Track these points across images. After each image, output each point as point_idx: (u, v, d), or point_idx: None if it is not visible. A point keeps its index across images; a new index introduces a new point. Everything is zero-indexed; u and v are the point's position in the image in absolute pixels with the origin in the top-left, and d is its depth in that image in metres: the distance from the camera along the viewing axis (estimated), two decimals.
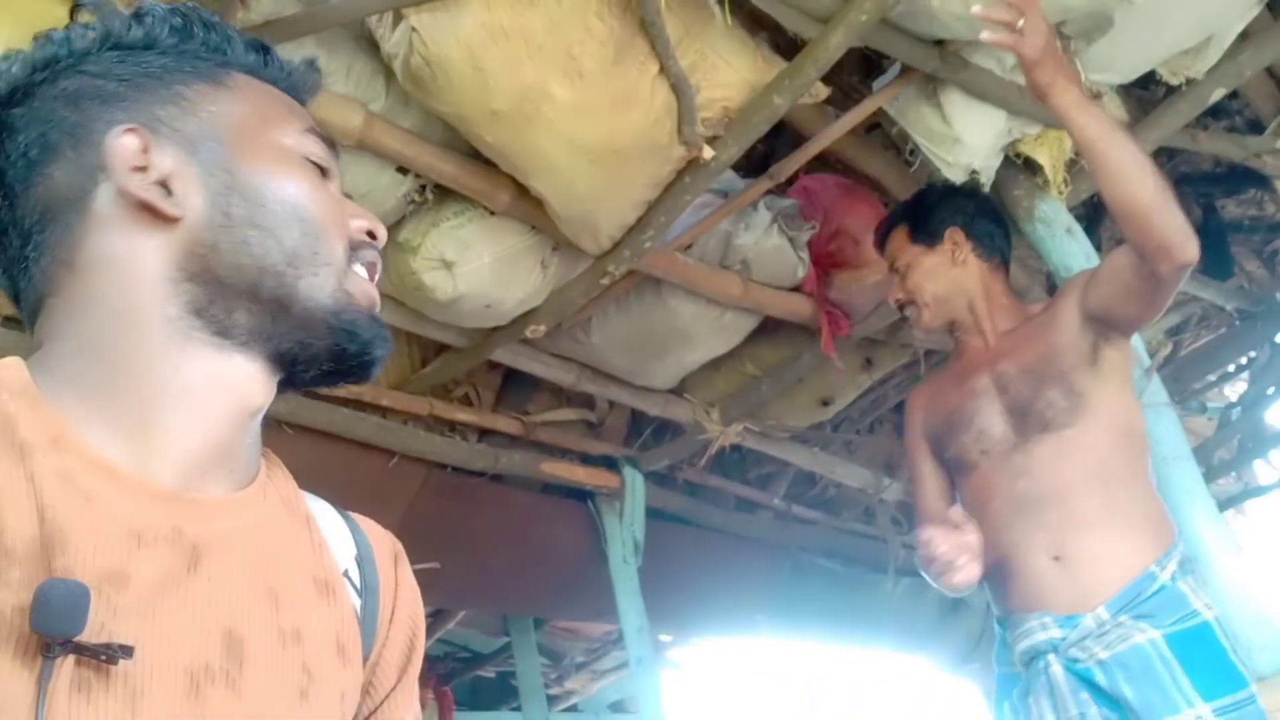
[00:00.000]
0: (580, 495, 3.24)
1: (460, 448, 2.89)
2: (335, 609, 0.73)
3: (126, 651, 0.58)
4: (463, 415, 2.90)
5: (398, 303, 2.36)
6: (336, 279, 0.73)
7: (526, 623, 4.41)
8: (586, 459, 3.18)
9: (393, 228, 2.18)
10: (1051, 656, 1.77)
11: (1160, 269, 1.71)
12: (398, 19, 1.76)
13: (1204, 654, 1.70)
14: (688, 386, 3.05)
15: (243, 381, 0.71)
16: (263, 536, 0.71)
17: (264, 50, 0.80)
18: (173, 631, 0.62)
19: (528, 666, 4.33)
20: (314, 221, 0.73)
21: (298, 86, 0.81)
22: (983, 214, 2.11)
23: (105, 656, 0.57)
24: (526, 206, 2.09)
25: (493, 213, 2.13)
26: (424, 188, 2.09)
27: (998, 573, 1.88)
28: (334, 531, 0.79)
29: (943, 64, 2.05)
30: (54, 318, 0.69)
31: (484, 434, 3.01)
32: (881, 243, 2.15)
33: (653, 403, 3.02)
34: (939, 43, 2.04)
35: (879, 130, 2.52)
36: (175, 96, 0.73)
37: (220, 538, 0.67)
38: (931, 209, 2.10)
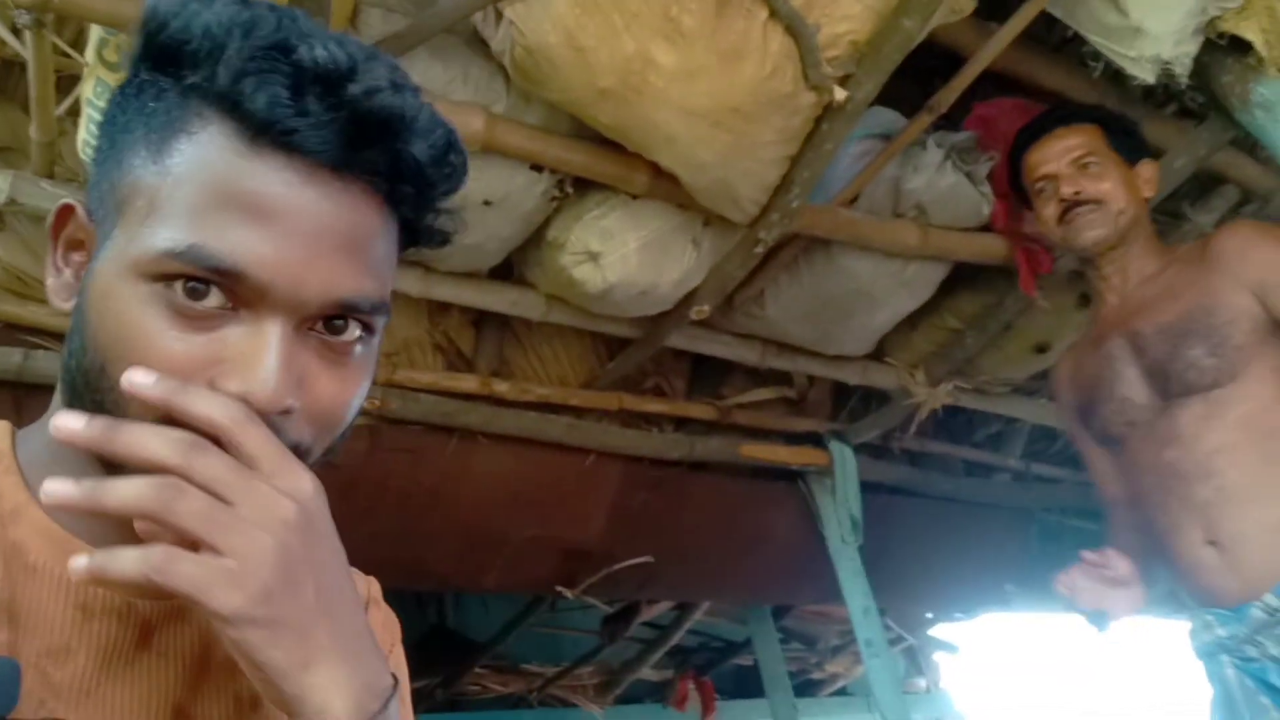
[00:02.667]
0: (790, 476, 3.12)
1: (655, 439, 2.85)
2: None
3: None
4: (654, 406, 2.86)
5: (564, 302, 2.36)
6: None
7: (763, 611, 4.32)
8: (790, 438, 3.05)
9: (542, 227, 2.17)
10: (1225, 658, 1.55)
11: None
12: (499, 16, 1.74)
13: None
14: (886, 349, 2.86)
15: None
16: None
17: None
18: (117, 710, 0.61)
19: (768, 654, 4.24)
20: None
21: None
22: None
23: None
24: (666, 186, 2.01)
25: (634, 197, 2.07)
26: (562, 183, 2.07)
27: (1166, 558, 1.70)
28: None
29: None
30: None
31: (680, 423, 2.95)
32: (1048, 127, 1.95)
33: (850, 371, 2.86)
34: None
35: (1075, 44, 2.25)
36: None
37: (175, 611, 0.65)
38: (1134, 130, 1.95)
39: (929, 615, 5.50)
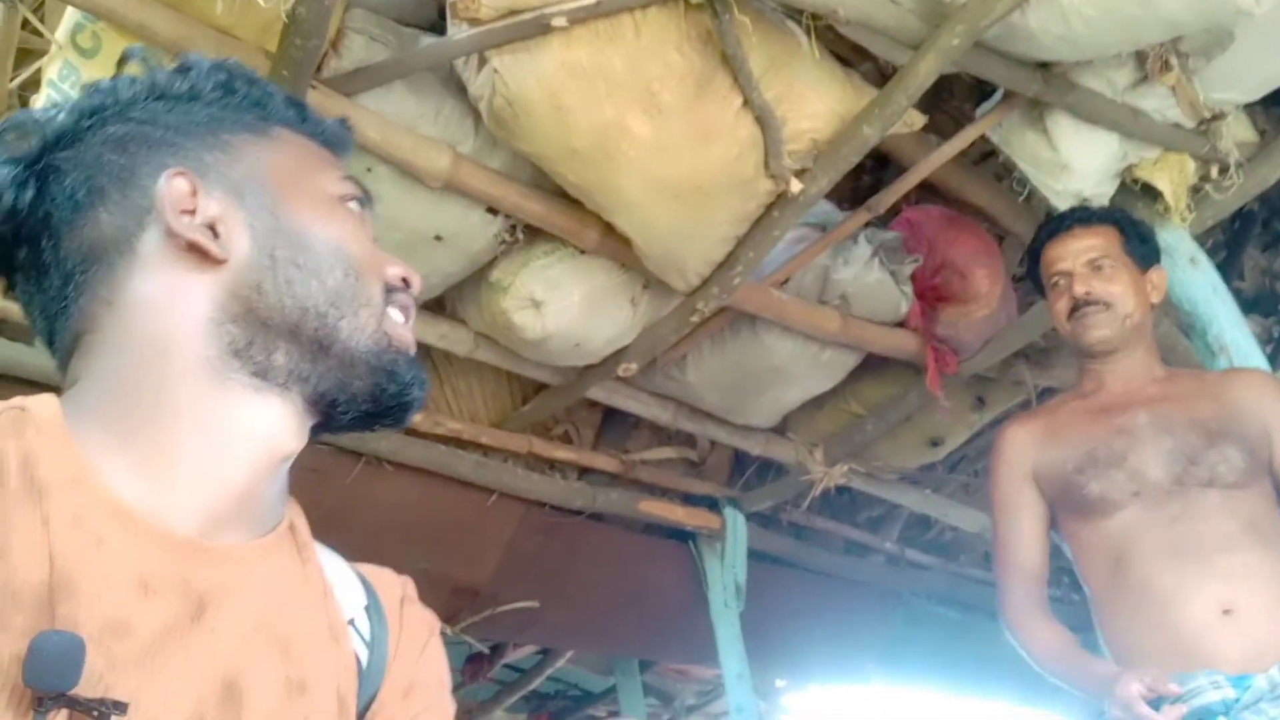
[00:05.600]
0: (681, 535, 3.19)
1: (559, 486, 2.88)
2: (338, 658, 0.72)
3: (120, 708, 0.57)
4: (562, 453, 2.89)
5: (492, 341, 2.38)
6: (375, 320, 0.73)
7: (631, 664, 4.35)
8: (688, 498, 3.13)
9: (485, 268, 2.19)
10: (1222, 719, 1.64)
11: None
12: (482, 62, 1.78)
13: None
14: (790, 425, 2.97)
15: (276, 427, 0.70)
16: (274, 585, 0.70)
17: (301, 107, 0.82)
18: (171, 683, 0.61)
19: (632, 708, 4.27)
20: (355, 263, 0.74)
21: (333, 141, 0.83)
22: None
23: (97, 713, 0.57)
24: (615, 244, 2.07)
25: (582, 251, 2.13)
26: (514, 227, 2.10)
27: (1149, 625, 1.75)
28: (344, 580, 0.78)
29: (1046, 87, 1.95)
30: (90, 355, 0.70)
31: (583, 472, 2.99)
32: (1068, 225, 1.98)
33: (754, 442, 2.95)
34: (1043, 65, 1.94)
35: (993, 158, 2.42)
36: (221, 144, 0.74)
37: (229, 587, 0.66)
38: (1149, 237, 2.01)
39: (781, 683, 5.62)
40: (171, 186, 0.70)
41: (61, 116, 0.73)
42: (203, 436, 0.68)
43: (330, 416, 0.74)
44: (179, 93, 0.76)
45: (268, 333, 0.70)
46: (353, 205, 0.78)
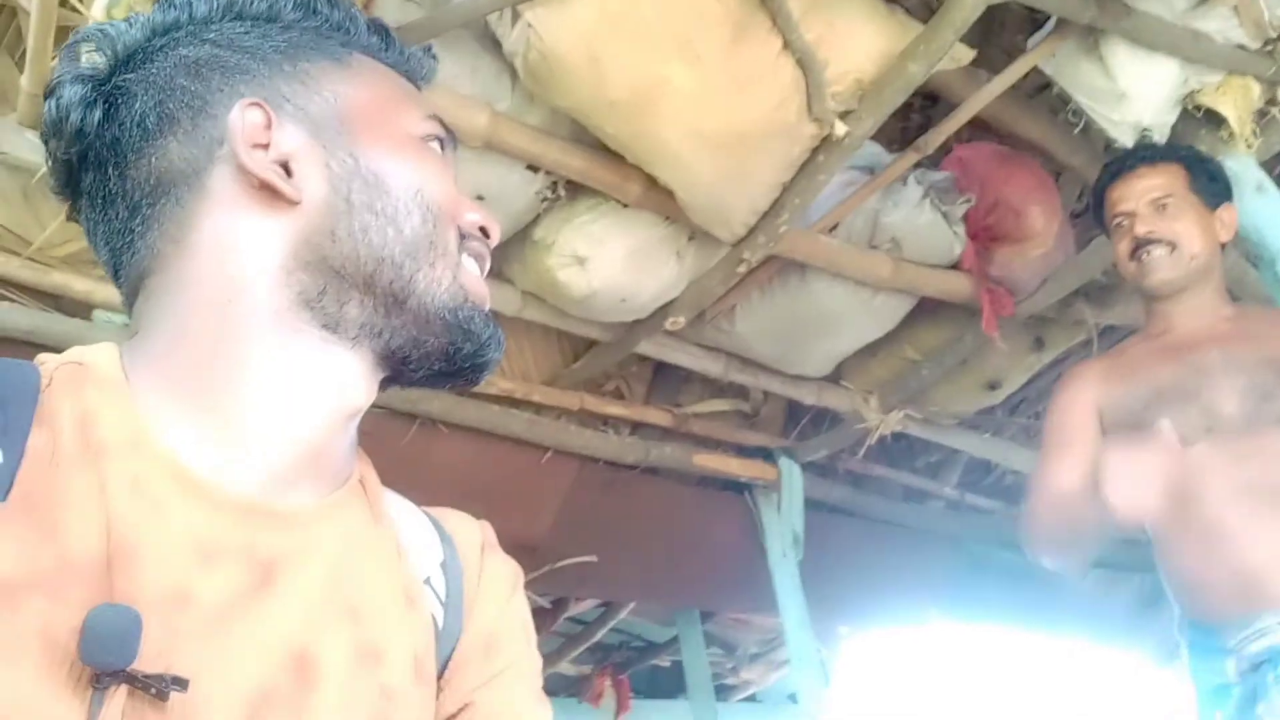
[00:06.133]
0: (737, 488, 3.18)
1: (612, 442, 2.88)
2: (414, 621, 0.70)
3: (180, 684, 0.55)
4: (614, 409, 2.89)
5: (539, 300, 2.37)
6: (452, 272, 0.70)
7: (693, 614, 4.38)
8: (741, 450, 3.11)
9: (528, 226, 2.18)
10: (1273, 672, 1.60)
11: None
12: (516, 17, 1.75)
13: None
14: (844, 373, 2.93)
15: (346, 381, 0.67)
16: (344, 548, 0.67)
17: (385, 33, 0.77)
18: (236, 656, 0.59)
19: (694, 658, 4.31)
20: (434, 208, 0.70)
21: (415, 72, 0.79)
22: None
23: (156, 689, 0.54)
24: (658, 197, 2.04)
25: (625, 205, 2.10)
26: (555, 184, 2.09)
27: (1215, 563, 1.72)
28: (419, 536, 0.75)
29: (1101, 13, 1.87)
30: (153, 300, 0.67)
31: (636, 427, 2.99)
32: (1131, 165, 1.94)
33: (807, 391, 2.92)
34: None
35: (1047, 91, 2.34)
36: (299, 73, 0.71)
37: (297, 551, 0.63)
38: (1217, 174, 1.96)
39: (844, 630, 5.63)
40: (245, 118, 0.66)
41: (135, 32, 0.70)
42: (269, 391, 0.64)
43: (401, 373, 0.71)
44: (257, 13, 0.72)
45: (341, 282, 0.66)
46: (434, 145, 0.74)
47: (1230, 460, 1.73)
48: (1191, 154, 1.98)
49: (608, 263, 2.10)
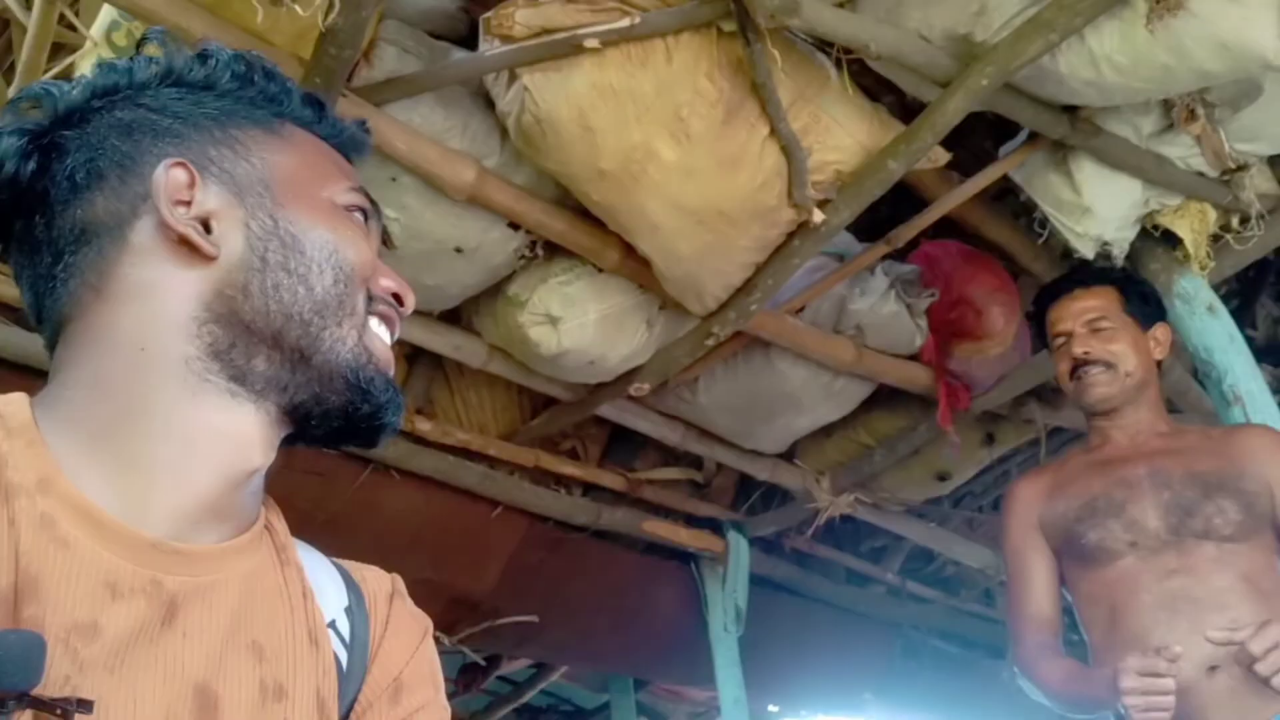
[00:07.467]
0: (684, 557, 3.18)
1: (564, 501, 2.88)
2: (318, 661, 0.71)
3: (85, 706, 0.56)
4: (568, 469, 2.89)
5: (506, 354, 2.38)
6: (357, 333, 0.72)
7: (626, 682, 4.34)
8: (691, 520, 3.12)
9: (503, 282, 2.20)
10: None
11: None
12: (512, 78, 1.79)
13: None
14: (798, 452, 2.97)
15: (247, 440, 0.69)
16: (249, 587, 0.69)
17: (319, 106, 0.81)
18: (141, 687, 0.61)
19: None
20: (347, 270, 0.73)
21: (347, 145, 0.82)
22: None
23: (61, 711, 0.56)
24: (634, 265, 2.08)
25: (601, 270, 2.13)
26: (534, 244, 2.11)
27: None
28: (325, 581, 0.77)
29: (1072, 130, 1.96)
30: (71, 345, 0.69)
31: (588, 489, 2.99)
32: (1068, 288, 2.03)
33: (761, 467, 2.95)
34: (1069, 109, 1.95)
35: (1011, 196, 2.43)
36: (229, 139, 0.73)
37: (201, 589, 0.65)
38: (1150, 296, 2.06)
39: (774, 709, 5.60)
40: (169, 176, 0.69)
41: (75, 93, 0.72)
42: (174, 441, 0.66)
43: (304, 429, 0.73)
44: (194, 80, 0.75)
45: (250, 337, 0.69)
46: (357, 216, 0.77)
47: (1154, 574, 1.79)
48: (1125, 276, 2.07)
49: (579, 324, 2.12)
